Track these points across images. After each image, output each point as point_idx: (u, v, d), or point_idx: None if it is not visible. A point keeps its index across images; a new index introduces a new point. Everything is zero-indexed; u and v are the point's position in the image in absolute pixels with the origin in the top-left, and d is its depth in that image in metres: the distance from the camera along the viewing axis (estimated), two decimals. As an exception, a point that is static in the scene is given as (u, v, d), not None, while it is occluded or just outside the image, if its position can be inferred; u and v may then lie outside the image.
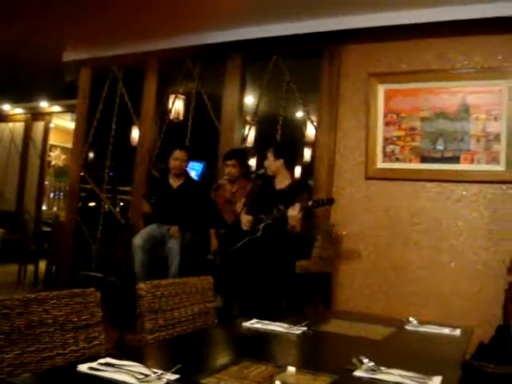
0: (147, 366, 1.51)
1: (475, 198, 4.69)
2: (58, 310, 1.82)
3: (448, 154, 4.78)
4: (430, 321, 2.76)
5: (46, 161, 10.48)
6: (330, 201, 4.40)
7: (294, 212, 4.17)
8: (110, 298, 4.82)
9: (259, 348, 2.05)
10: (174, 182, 5.42)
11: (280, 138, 5.66)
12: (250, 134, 6.42)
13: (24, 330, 1.68)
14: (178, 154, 5.37)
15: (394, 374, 1.64)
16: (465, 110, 4.74)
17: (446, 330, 2.52)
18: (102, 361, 1.56)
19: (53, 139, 10.99)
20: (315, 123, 5.55)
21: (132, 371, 1.47)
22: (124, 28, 5.97)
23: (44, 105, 10.03)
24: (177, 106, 6.49)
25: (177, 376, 1.46)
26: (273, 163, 4.54)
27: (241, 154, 5.45)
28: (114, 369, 1.50)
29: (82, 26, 6.08)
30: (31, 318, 1.71)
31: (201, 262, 5.07)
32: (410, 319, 2.65)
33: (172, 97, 6.51)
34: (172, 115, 6.49)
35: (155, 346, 2.05)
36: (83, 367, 1.51)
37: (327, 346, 2.24)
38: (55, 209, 12.44)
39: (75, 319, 1.87)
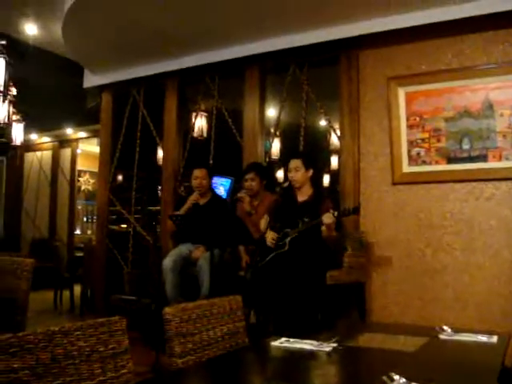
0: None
1: (506, 196, 4.58)
2: (83, 341, 1.79)
3: (475, 153, 4.68)
4: (466, 327, 2.69)
5: (75, 186, 10.62)
6: (356, 210, 4.30)
7: (329, 220, 4.10)
8: (145, 320, 4.85)
9: (289, 369, 2.00)
10: (200, 200, 5.40)
11: (304, 147, 5.61)
12: (275, 146, 6.39)
13: (49, 364, 1.65)
14: (196, 172, 5.38)
15: (426, 390, 1.57)
16: (489, 107, 4.64)
17: (482, 338, 2.42)
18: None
19: (81, 164, 11.16)
20: (338, 131, 5.50)
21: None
22: (141, 50, 6.03)
23: (70, 131, 10.19)
24: (200, 123, 6.51)
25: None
26: (304, 174, 4.50)
27: (258, 167, 5.41)
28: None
29: (100, 51, 6.16)
30: (56, 350, 1.68)
31: (232, 280, 5.04)
32: (444, 327, 2.56)
33: (194, 115, 6.53)
34: (195, 133, 6.50)
35: (186, 371, 2.02)
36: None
37: (358, 363, 2.18)
38: (89, 232, 12.60)
39: (101, 349, 1.84)
